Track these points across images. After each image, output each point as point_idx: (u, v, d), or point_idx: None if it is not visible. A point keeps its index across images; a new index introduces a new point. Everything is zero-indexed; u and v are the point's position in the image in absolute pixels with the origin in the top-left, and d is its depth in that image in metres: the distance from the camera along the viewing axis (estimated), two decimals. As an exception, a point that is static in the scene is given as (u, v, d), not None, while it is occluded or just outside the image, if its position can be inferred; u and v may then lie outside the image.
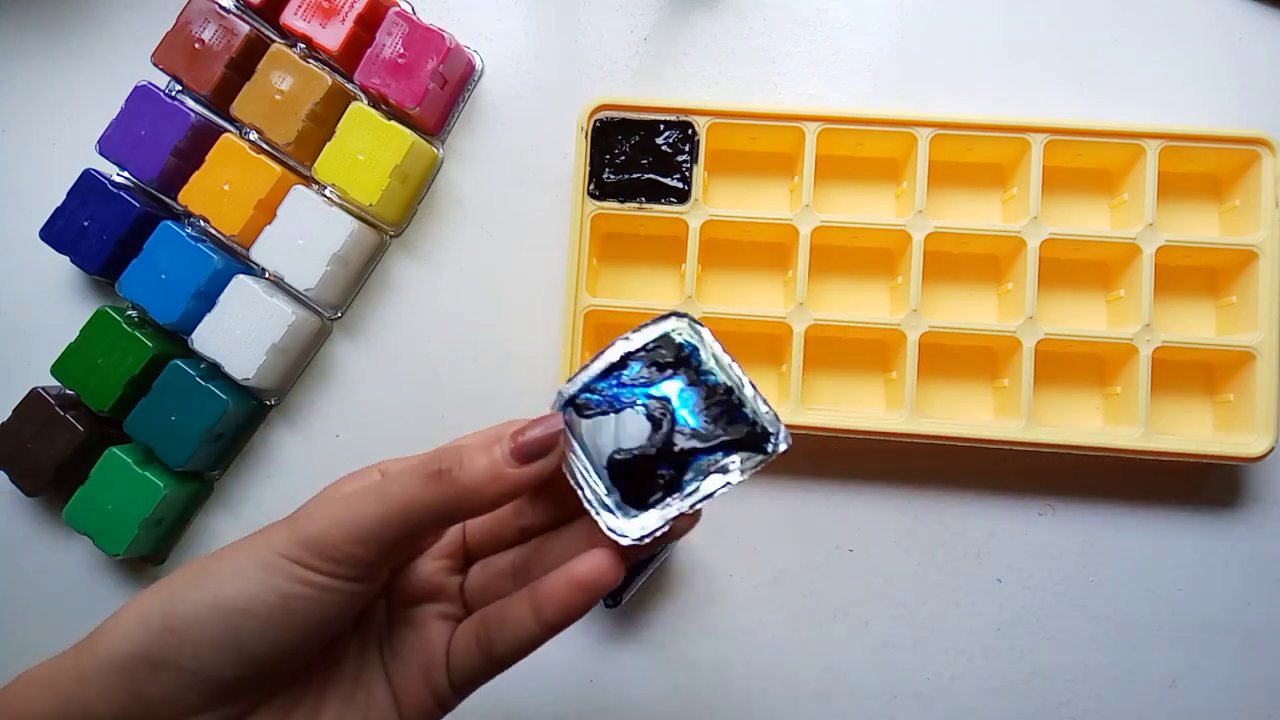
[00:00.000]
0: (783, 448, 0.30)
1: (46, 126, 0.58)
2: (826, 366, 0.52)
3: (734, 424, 0.30)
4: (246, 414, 0.54)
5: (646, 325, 0.31)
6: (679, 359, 0.31)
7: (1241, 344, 0.48)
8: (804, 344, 0.50)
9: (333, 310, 0.55)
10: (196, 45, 0.53)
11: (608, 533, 0.30)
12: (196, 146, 0.53)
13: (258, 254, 0.53)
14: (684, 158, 0.51)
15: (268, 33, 0.55)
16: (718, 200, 0.53)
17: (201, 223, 0.53)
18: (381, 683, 0.32)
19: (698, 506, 0.30)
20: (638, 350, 0.31)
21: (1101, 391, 0.52)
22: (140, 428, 0.51)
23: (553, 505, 0.33)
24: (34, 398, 0.53)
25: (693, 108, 0.51)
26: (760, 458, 0.30)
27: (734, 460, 0.30)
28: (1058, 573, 0.51)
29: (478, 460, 0.29)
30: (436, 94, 0.53)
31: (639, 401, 0.31)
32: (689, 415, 0.30)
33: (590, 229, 0.51)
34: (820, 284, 0.52)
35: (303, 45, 0.54)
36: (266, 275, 0.54)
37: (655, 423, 0.30)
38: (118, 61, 0.57)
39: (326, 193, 0.53)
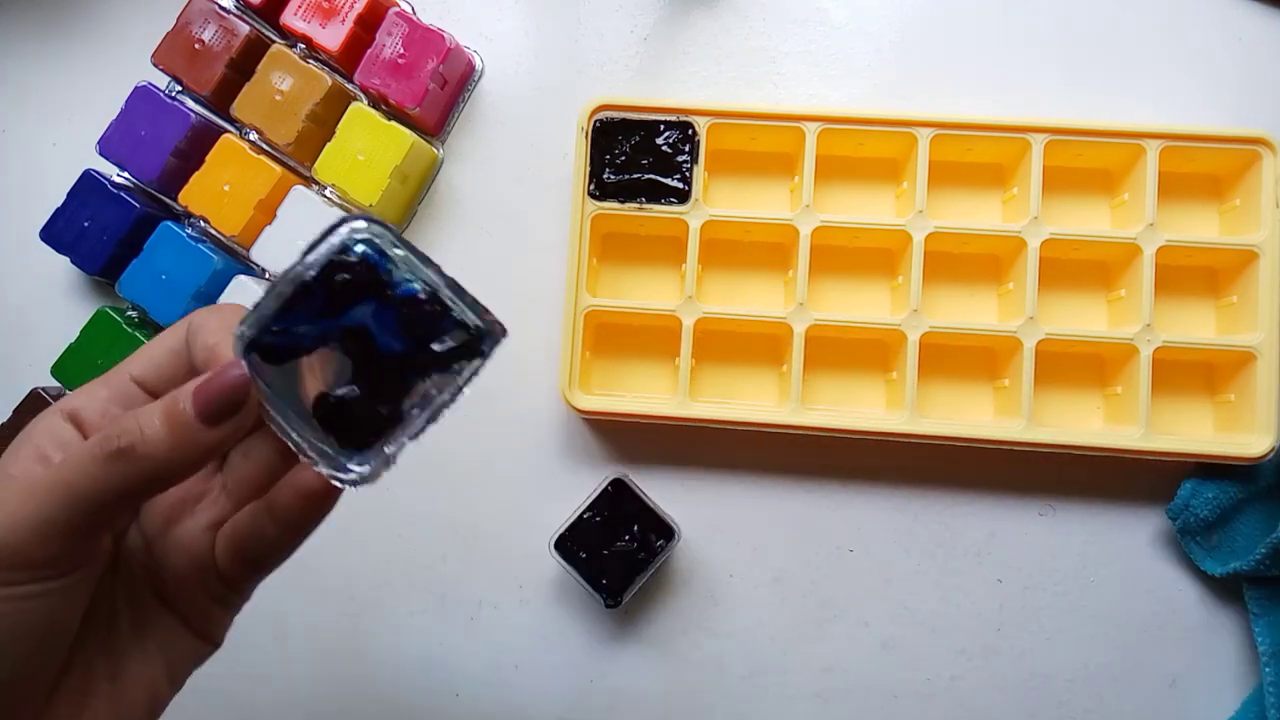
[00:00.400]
0: (499, 345, 0.28)
1: (46, 126, 0.58)
2: (826, 366, 0.52)
3: (442, 334, 0.28)
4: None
5: (318, 242, 0.27)
6: (366, 275, 0.27)
7: (1242, 344, 0.48)
8: (804, 344, 0.50)
9: (333, 310, 0.55)
10: (196, 45, 0.53)
11: (332, 481, 0.28)
12: (196, 147, 0.53)
13: (258, 254, 0.53)
14: (684, 158, 0.51)
15: (268, 33, 0.55)
16: (718, 200, 0.53)
17: (201, 223, 0.53)
18: (163, 614, 0.31)
19: (421, 432, 0.28)
20: (316, 276, 0.27)
21: (1102, 391, 0.52)
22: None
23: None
24: (34, 398, 0.53)
25: (693, 108, 0.51)
26: (478, 361, 0.28)
27: (454, 372, 0.28)
28: (1058, 573, 0.51)
29: (159, 431, 0.26)
30: (436, 94, 0.53)
31: (332, 336, 0.27)
32: (391, 339, 0.27)
33: (590, 229, 0.51)
34: (820, 284, 0.52)
35: (303, 45, 0.54)
36: (266, 275, 0.54)
37: (355, 357, 0.27)
38: (118, 61, 0.57)
39: (326, 193, 0.53)
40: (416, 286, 0.28)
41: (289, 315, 0.27)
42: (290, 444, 0.28)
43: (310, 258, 0.27)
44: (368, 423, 0.27)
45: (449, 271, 0.29)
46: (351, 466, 0.27)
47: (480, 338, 0.28)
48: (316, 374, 0.27)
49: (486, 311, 0.29)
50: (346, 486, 0.28)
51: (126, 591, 0.30)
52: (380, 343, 0.28)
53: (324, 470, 0.28)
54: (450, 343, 0.28)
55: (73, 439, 0.29)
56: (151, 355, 0.30)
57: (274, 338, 0.27)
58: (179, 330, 0.30)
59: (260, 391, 0.27)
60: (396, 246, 0.28)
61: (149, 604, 0.30)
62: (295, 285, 0.27)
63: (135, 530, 0.31)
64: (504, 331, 0.29)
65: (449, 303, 0.28)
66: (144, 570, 0.31)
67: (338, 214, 0.49)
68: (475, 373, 0.28)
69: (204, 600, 0.31)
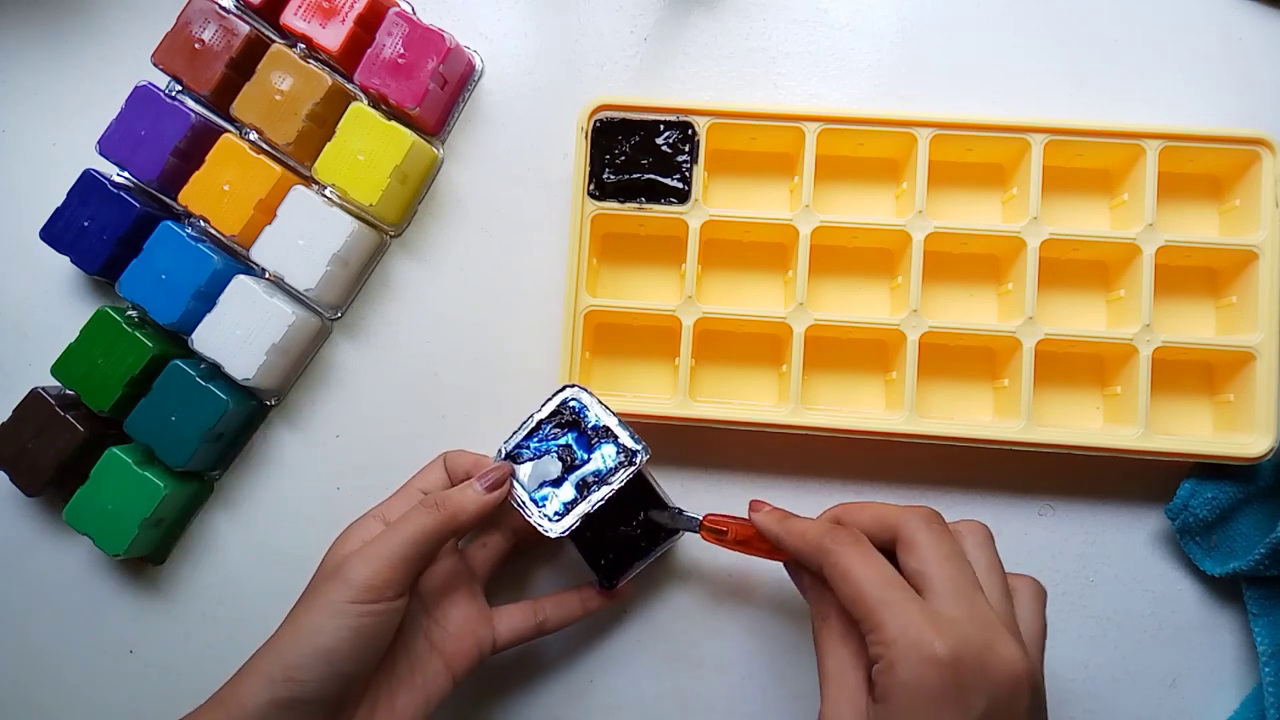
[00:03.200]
0: (644, 459, 0.46)
1: (46, 126, 0.58)
2: (826, 366, 0.52)
3: (612, 451, 0.46)
4: (246, 414, 0.54)
5: (549, 399, 0.47)
6: (573, 418, 0.47)
7: (1241, 344, 0.48)
8: (804, 344, 0.50)
9: (333, 310, 0.55)
10: (196, 45, 0.53)
11: (543, 533, 0.45)
12: (196, 146, 0.53)
13: (258, 254, 0.53)
14: (684, 158, 0.51)
15: (268, 33, 0.55)
16: (718, 200, 0.53)
17: (201, 223, 0.53)
18: (431, 655, 0.45)
19: (597, 505, 0.45)
20: (548, 417, 0.47)
21: (1101, 391, 0.52)
22: (140, 428, 0.51)
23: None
24: (34, 398, 0.53)
25: (693, 108, 0.51)
26: (632, 467, 0.46)
27: (616, 474, 0.46)
28: (1058, 573, 0.51)
29: (462, 496, 0.44)
30: (436, 94, 0.53)
31: (552, 450, 0.47)
32: (584, 452, 0.47)
33: (590, 229, 0.51)
34: (820, 284, 0.52)
35: (303, 45, 0.54)
36: (266, 275, 0.54)
37: (564, 462, 0.46)
38: (118, 61, 0.57)
39: (326, 193, 0.53)
40: (599, 422, 0.47)
41: (529, 438, 0.47)
42: (520, 508, 0.46)
43: (544, 408, 0.47)
44: (567, 504, 0.46)
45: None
46: (553, 525, 0.46)
47: (632, 455, 0.46)
48: (540, 471, 0.47)
49: (638, 438, 0.46)
50: (549, 534, 0.45)
51: (405, 637, 0.44)
52: (577, 455, 0.47)
53: (536, 523, 0.46)
54: (616, 456, 0.46)
55: (381, 529, 0.44)
56: (426, 478, 0.48)
57: (521, 450, 0.47)
58: (438, 464, 0.48)
59: (511, 479, 0.47)
60: (592, 403, 0.47)
61: (421, 647, 0.45)
62: (535, 423, 0.47)
63: (416, 598, 0.45)
64: (648, 451, 0.46)
65: (617, 432, 0.46)
66: (419, 623, 0.46)
67: (338, 213, 0.51)
68: (628, 476, 0.46)
69: (469, 644, 0.46)
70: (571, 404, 0.47)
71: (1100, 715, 0.50)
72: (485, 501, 0.45)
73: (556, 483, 0.46)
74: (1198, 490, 0.49)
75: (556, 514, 0.46)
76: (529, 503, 0.46)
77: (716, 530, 0.45)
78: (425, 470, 0.48)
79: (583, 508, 0.46)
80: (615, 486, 0.46)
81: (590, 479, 0.46)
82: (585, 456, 0.46)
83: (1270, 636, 0.48)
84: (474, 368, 0.54)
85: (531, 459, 0.47)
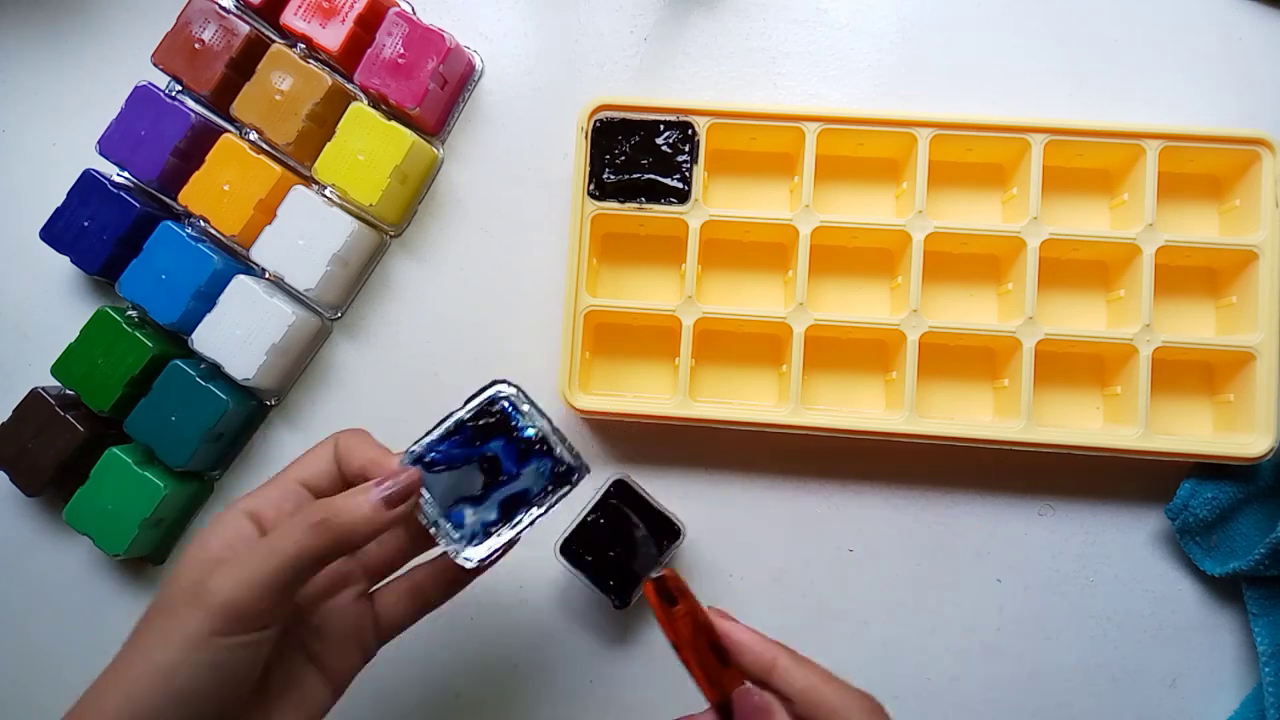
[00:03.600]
0: (581, 478, 0.40)
1: (46, 126, 0.58)
2: (826, 366, 0.52)
3: (545, 468, 0.40)
4: (246, 414, 0.54)
5: (474, 396, 0.40)
6: (501, 421, 0.40)
7: (1241, 344, 0.48)
8: (804, 344, 0.50)
9: (333, 310, 0.55)
10: (196, 45, 0.53)
11: (456, 560, 0.39)
12: (196, 146, 0.53)
13: (258, 254, 0.53)
14: (684, 158, 0.51)
15: (268, 33, 0.55)
16: (718, 200, 0.53)
17: (201, 223, 0.53)
18: (309, 670, 0.38)
19: (522, 532, 0.39)
20: (471, 417, 0.40)
21: (1101, 391, 0.52)
22: (140, 428, 0.51)
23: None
24: (34, 398, 0.53)
25: (693, 108, 0.51)
26: (566, 488, 0.40)
27: (547, 496, 0.40)
28: (1058, 573, 0.51)
29: (353, 509, 0.36)
30: (436, 94, 0.53)
31: (473, 460, 0.40)
32: (511, 465, 0.40)
33: (590, 229, 0.51)
34: (820, 284, 0.52)
35: (303, 45, 0.54)
36: (266, 275, 0.54)
37: (487, 474, 0.40)
38: (118, 61, 0.57)
39: (326, 193, 0.53)
40: (532, 432, 0.40)
41: (446, 442, 0.40)
42: (430, 529, 0.39)
43: (467, 405, 0.40)
44: (487, 526, 0.39)
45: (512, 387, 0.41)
46: (469, 552, 0.39)
47: (570, 471, 0.40)
48: (455, 484, 0.39)
49: (578, 454, 0.40)
50: (461, 564, 0.39)
51: (279, 653, 0.37)
52: (503, 467, 0.40)
53: (448, 549, 0.39)
54: (549, 473, 0.40)
55: (255, 533, 0.36)
56: (308, 464, 0.39)
57: (435, 454, 0.39)
58: (325, 446, 0.40)
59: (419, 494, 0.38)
60: (524, 403, 0.40)
61: (298, 662, 0.38)
62: (455, 423, 0.40)
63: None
64: (588, 469, 0.40)
65: (553, 444, 0.40)
66: (294, 634, 0.38)
67: (338, 213, 0.51)
68: (563, 496, 0.40)
69: (353, 652, 0.39)
70: (500, 404, 0.40)
71: (1100, 715, 0.50)
72: (383, 520, 0.37)
73: (476, 500, 0.39)
74: (1198, 490, 0.49)
75: (473, 538, 0.39)
76: (441, 522, 0.39)
77: (665, 595, 0.37)
78: (309, 455, 0.40)
79: (505, 534, 0.39)
80: (545, 511, 0.39)
81: (517, 498, 0.39)
82: (513, 470, 0.40)
83: (1270, 636, 0.48)
84: (474, 368, 0.54)
85: (446, 468, 0.39)
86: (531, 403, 0.40)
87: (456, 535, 0.39)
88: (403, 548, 0.41)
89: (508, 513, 0.39)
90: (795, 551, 0.52)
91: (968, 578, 0.51)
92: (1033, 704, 0.50)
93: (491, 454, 0.40)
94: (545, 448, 0.40)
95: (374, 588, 0.41)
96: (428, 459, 0.39)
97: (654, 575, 0.37)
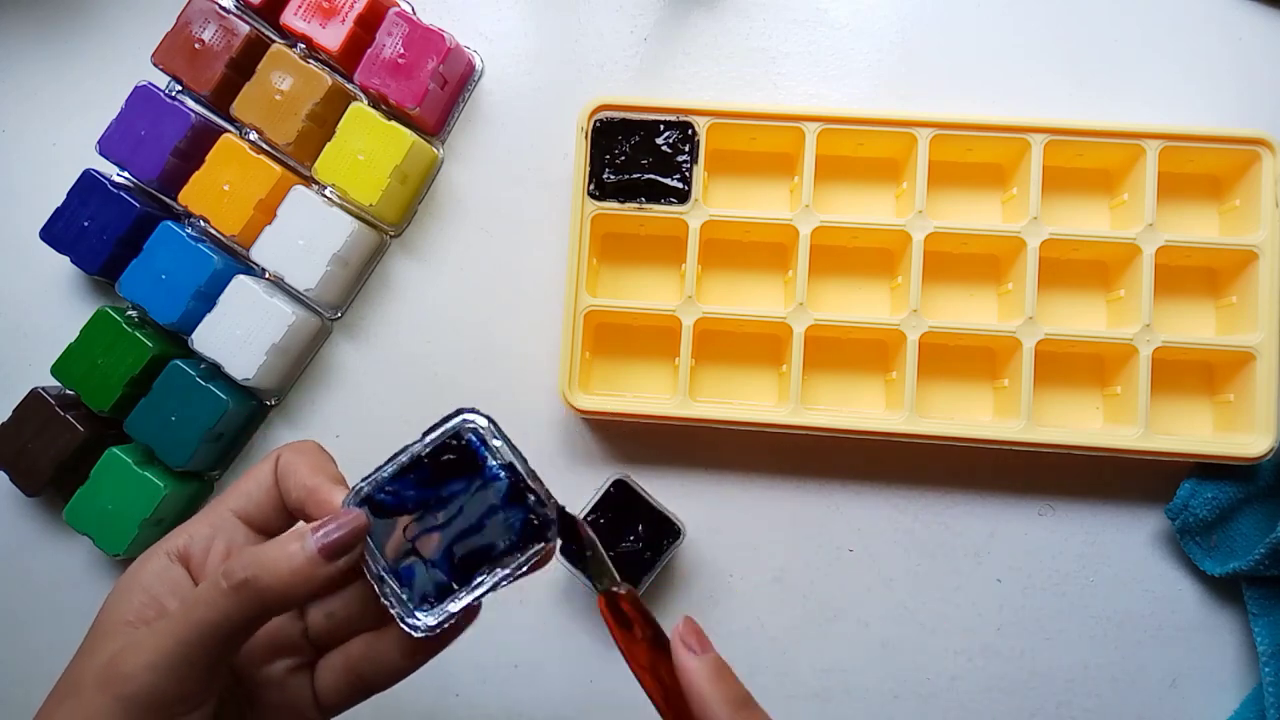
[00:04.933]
0: (554, 539, 0.33)
1: (46, 126, 0.58)
2: (826, 366, 0.52)
3: (515, 521, 0.33)
4: (246, 414, 0.54)
5: (436, 427, 0.33)
6: (465, 459, 0.33)
7: (1241, 344, 0.48)
8: (804, 344, 0.50)
9: (333, 310, 0.55)
10: (196, 45, 0.53)
11: (402, 626, 0.32)
12: (196, 146, 0.53)
13: (258, 254, 0.53)
14: (684, 158, 0.51)
15: (268, 33, 0.55)
16: (718, 200, 0.53)
17: (201, 223, 0.53)
18: None
19: (480, 600, 0.32)
20: (427, 454, 0.33)
21: (1101, 391, 0.52)
22: (140, 428, 0.51)
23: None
24: (34, 398, 0.53)
25: (693, 108, 0.51)
26: (535, 549, 0.33)
27: (516, 555, 0.33)
28: (1058, 573, 0.51)
29: (280, 565, 0.30)
30: (436, 94, 0.53)
31: (429, 503, 0.33)
32: (475, 513, 0.33)
33: (590, 229, 0.51)
34: (820, 284, 0.52)
35: (303, 45, 0.54)
36: (266, 275, 0.54)
37: (444, 522, 0.33)
38: (118, 61, 0.57)
39: (326, 193, 0.53)
40: (502, 474, 0.33)
41: (399, 480, 0.33)
42: (375, 581, 0.32)
43: (428, 438, 0.33)
44: (443, 584, 0.32)
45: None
46: (419, 616, 0.32)
47: (546, 526, 0.33)
48: (407, 532, 0.32)
49: (555, 504, 0.33)
50: (408, 631, 0.32)
51: None
52: (464, 515, 0.33)
53: (395, 612, 0.32)
54: (519, 528, 0.33)
55: (184, 582, 0.32)
56: (245, 491, 0.34)
57: (386, 496, 0.32)
58: (265, 467, 0.34)
59: (365, 541, 0.32)
60: (496, 439, 0.33)
61: None
62: (412, 458, 0.33)
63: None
64: (563, 526, 0.33)
65: (525, 491, 0.33)
66: (226, 702, 0.32)
67: (338, 213, 0.50)
68: (536, 555, 0.33)
69: None
70: (467, 438, 0.33)
71: (1100, 715, 0.50)
72: (320, 576, 0.30)
73: (430, 554, 0.32)
74: (1198, 490, 0.49)
75: (425, 599, 0.32)
76: (388, 577, 0.32)
77: (621, 617, 0.33)
78: (246, 479, 0.34)
79: (462, 599, 0.32)
80: (510, 575, 0.32)
81: (479, 554, 0.32)
82: (476, 520, 0.33)
83: (1270, 636, 0.48)
84: (474, 368, 0.54)
85: (397, 512, 0.32)
86: (504, 438, 0.33)
87: (405, 595, 0.32)
88: (350, 611, 0.34)
89: (465, 571, 0.32)
90: (795, 551, 0.52)
91: (968, 578, 0.51)
92: (1033, 704, 0.50)
93: (451, 498, 0.33)
94: (516, 495, 0.32)
95: (319, 658, 0.35)
96: (377, 499, 0.32)
97: (610, 590, 0.32)
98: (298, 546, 0.30)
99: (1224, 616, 0.50)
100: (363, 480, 0.33)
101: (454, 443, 0.33)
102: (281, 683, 0.34)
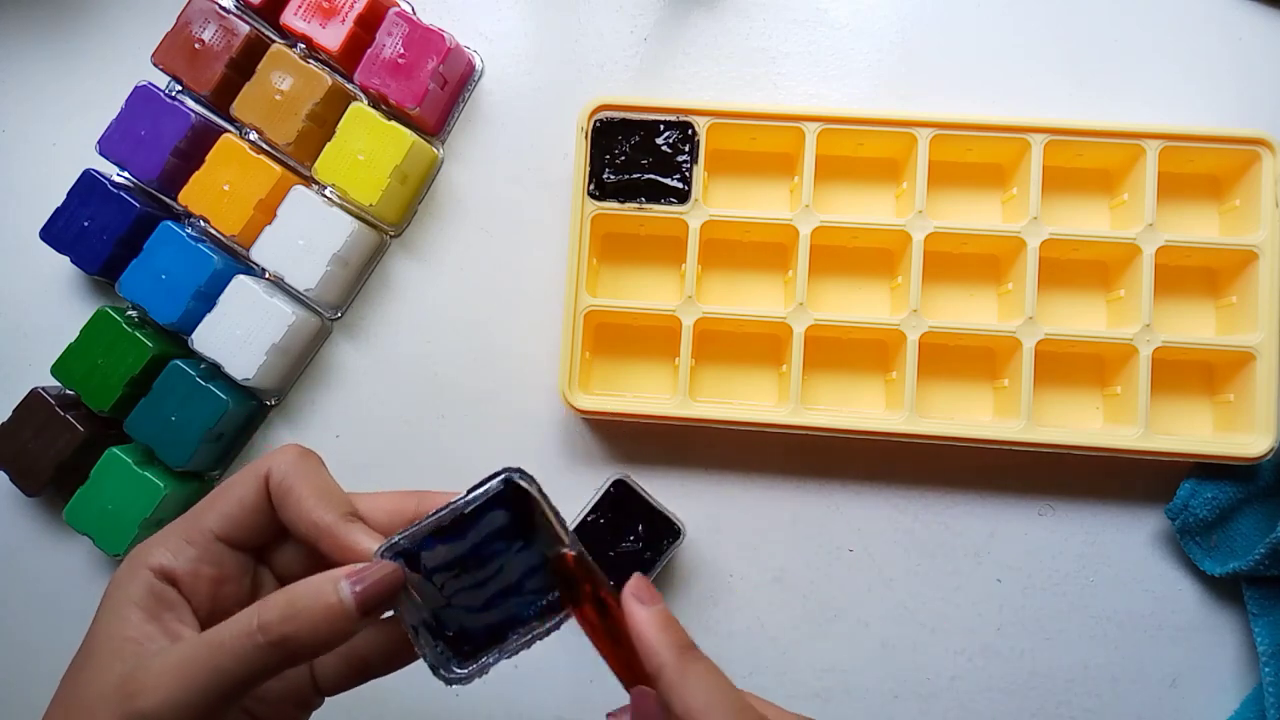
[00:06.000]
0: (566, 617, 0.33)
1: (46, 126, 0.58)
2: (826, 366, 0.52)
3: (551, 589, 0.33)
4: (246, 414, 0.54)
5: (481, 484, 0.33)
6: (510, 522, 0.33)
7: (1241, 344, 0.48)
8: (804, 344, 0.50)
9: (333, 310, 0.55)
10: (196, 45, 0.53)
11: (438, 676, 0.32)
12: (196, 146, 0.53)
13: (258, 254, 0.53)
14: (684, 158, 0.51)
15: (268, 33, 0.55)
16: (718, 200, 0.53)
17: (201, 223, 0.53)
18: None
19: (509, 657, 0.33)
20: (470, 511, 0.32)
21: (1101, 391, 0.52)
22: (140, 428, 0.51)
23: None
24: (34, 398, 0.53)
25: (693, 108, 0.51)
26: (557, 620, 0.33)
27: (552, 616, 0.33)
28: (1058, 573, 0.51)
29: (316, 618, 0.30)
30: (436, 94, 0.53)
31: (467, 563, 0.33)
32: (513, 574, 0.33)
33: (590, 229, 0.51)
34: (820, 284, 0.52)
35: (303, 45, 0.54)
36: (266, 275, 0.54)
37: (477, 584, 0.33)
38: (118, 61, 0.57)
39: (326, 193, 0.53)
40: (544, 535, 0.33)
41: (440, 538, 0.32)
42: (410, 631, 0.32)
43: (471, 495, 0.33)
44: (473, 636, 0.33)
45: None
46: (454, 669, 0.32)
47: (564, 599, 0.33)
48: (445, 589, 0.32)
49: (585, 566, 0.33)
50: (443, 681, 0.32)
51: None
52: (504, 575, 0.33)
53: (429, 662, 0.32)
54: (552, 597, 0.33)
55: (178, 600, 0.31)
56: (228, 513, 0.33)
57: (424, 550, 0.32)
58: (250, 485, 0.33)
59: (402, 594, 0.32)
60: (540, 502, 0.33)
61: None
62: (454, 515, 0.32)
63: None
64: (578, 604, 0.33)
65: (562, 555, 0.32)
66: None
67: (338, 213, 0.50)
68: (554, 628, 0.33)
69: (292, 710, 0.34)
70: (511, 497, 0.33)
71: (1100, 715, 0.50)
72: (351, 630, 0.30)
73: (476, 609, 0.33)
74: (1198, 490, 0.49)
75: (459, 652, 0.33)
76: (423, 630, 0.32)
77: (566, 580, 0.33)
78: (227, 495, 0.33)
79: (493, 657, 0.33)
80: (546, 634, 0.33)
81: (517, 613, 0.33)
82: (516, 581, 0.33)
83: (1270, 636, 0.48)
84: (474, 368, 0.54)
85: (435, 565, 0.32)
86: (549, 503, 0.33)
87: (439, 647, 0.33)
88: (363, 655, 0.34)
89: (501, 629, 0.33)
90: (795, 551, 0.52)
91: (968, 578, 0.51)
92: (1033, 704, 0.50)
93: (491, 556, 0.33)
94: (558, 567, 0.33)
95: None
96: (413, 553, 0.32)
97: (554, 551, 0.32)
98: (334, 598, 0.30)
99: (1224, 616, 0.50)
100: (401, 534, 0.32)
101: (498, 502, 0.33)
102: (286, 676, 0.34)
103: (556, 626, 0.33)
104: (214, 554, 0.33)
